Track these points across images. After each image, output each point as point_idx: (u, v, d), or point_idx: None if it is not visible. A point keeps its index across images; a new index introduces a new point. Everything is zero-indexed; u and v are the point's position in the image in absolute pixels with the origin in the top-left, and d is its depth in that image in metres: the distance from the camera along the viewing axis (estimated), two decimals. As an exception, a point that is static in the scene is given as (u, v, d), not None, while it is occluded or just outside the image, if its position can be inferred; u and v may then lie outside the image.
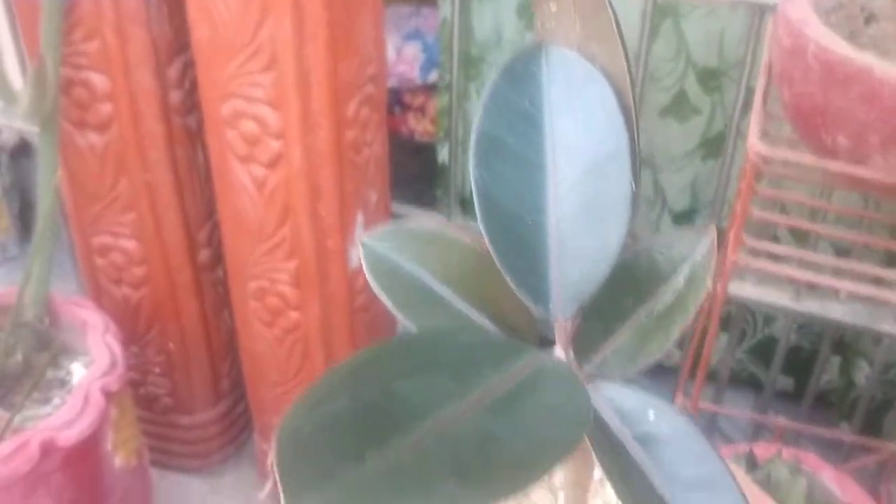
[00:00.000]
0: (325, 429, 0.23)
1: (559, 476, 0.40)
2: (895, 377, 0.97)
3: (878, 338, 0.89)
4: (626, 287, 0.33)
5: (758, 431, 0.99)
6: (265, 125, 0.77)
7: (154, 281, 0.90)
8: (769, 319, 1.02)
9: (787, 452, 0.78)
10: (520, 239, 0.32)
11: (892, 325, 0.83)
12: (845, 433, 0.88)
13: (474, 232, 0.33)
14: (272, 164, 0.79)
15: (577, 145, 0.32)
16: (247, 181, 0.80)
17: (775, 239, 0.90)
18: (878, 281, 0.75)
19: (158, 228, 0.88)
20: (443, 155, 1.07)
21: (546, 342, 0.32)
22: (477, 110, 0.31)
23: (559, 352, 0.31)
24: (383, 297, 0.32)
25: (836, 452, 0.90)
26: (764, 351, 1.03)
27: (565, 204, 0.32)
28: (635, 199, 0.31)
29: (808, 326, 1.01)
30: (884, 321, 0.83)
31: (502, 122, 0.32)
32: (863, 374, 0.98)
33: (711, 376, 0.98)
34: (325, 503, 0.21)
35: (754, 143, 0.57)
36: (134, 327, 0.93)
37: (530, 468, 0.24)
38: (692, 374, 0.88)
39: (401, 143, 1.20)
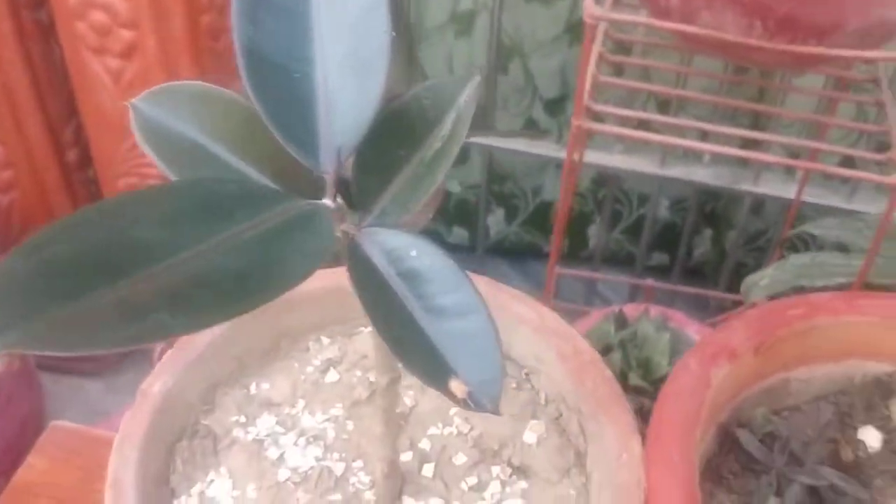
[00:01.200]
0: (41, 271, 0.23)
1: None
2: (764, 244, 1.01)
3: (739, 198, 0.92)
4: (400, 138, 0.33)
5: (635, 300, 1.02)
6: (115, 14, 0.75)
7: (22, 184, 0.88)
8: (643, 199, 1.04)
9: (655, 311, 0.81)
10: (287, 92, 0.32)
11: (752, 184, 0.86)
12: (711, 291, 0.92)
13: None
14: (126, 54, 0.77)
15: (339, -5, 0.32)
16: (102, 74, 0.78)
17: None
18: (742, 145, 0.78)
19: (21, 130, 0.86)
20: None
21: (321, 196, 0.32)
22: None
23: (327, 201, 0.31)
24: (158, 161, 0.32)
25: (705, 313, 0.94)
26: (639, 231, 1.06)
27: (330, 55, 0.32)
28: (396, 48, 0.31)
29: (680, 203, 1.03)
30: (744, 181, 0.86)
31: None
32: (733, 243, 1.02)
33: (589, 259, 1.01)
34: (29, 339, 0.22)
35: (588, 4, 0.58)
36: (6, 233, 0.91)
37: (251, 298, 0.25)
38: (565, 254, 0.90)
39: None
